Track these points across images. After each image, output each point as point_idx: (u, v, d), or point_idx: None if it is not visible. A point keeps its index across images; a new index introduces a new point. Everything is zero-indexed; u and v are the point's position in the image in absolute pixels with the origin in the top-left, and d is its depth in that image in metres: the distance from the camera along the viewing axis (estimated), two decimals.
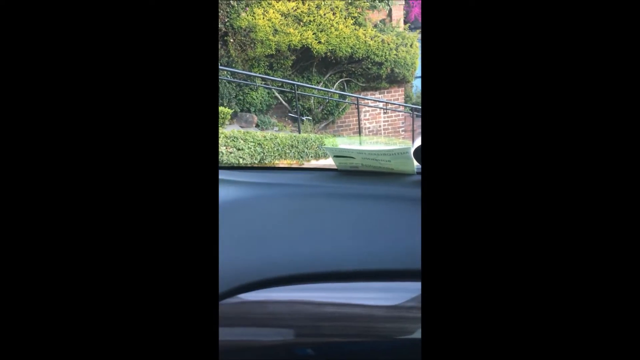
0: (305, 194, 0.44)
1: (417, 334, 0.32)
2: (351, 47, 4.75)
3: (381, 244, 0.36)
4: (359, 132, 5.16)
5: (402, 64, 5.15)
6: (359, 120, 5.13)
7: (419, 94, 7.58)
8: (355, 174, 0.48)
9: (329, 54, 4.73)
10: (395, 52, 5.04)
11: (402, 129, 5.85)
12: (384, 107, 5.57)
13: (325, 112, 5.13)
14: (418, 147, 0.40)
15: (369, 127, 5.60)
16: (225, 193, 0.40)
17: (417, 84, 7.80)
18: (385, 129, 5.78)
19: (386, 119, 5.72)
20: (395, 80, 5.39)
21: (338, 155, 0.47)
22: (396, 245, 0.35)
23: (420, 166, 0.43)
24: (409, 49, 5.20)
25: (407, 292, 0.33)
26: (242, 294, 0.34)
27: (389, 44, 4.98)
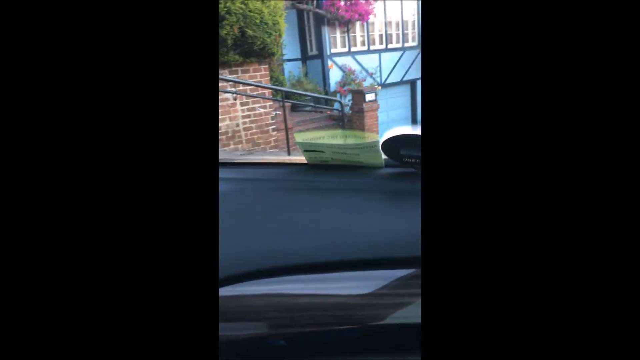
0: (276, 189, 0.45)
1: (389, 320, 0.33)
2: None
3: (352, 235, 0.36)
4: None
5: (258, 22, 3.20)
6: None
7: (295, 81, 5.81)
8: (326, 167, 0.49)
9: None
10: None
11: (273, 126, 3.95)
12: (237, 93, 3.53)
13: None
14: (385, 141, 0.42)
15: (219, 128, 3.50)
16: None
17: (289, 66, 6.01)
18: (246, 129, 3.76)
19: (246, 112, 3.71)
20: (252, 51, 3.40)
21: (308, 149, 0.48)
22: (367, 236, 0.36)
23: (387, 159, 0.45)
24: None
25: (380, 279, 0.34)
26: None
27: None
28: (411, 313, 0.32)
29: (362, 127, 4.87)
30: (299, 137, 0.47)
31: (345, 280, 0.34)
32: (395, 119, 6.69)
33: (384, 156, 0.44)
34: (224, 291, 0.33)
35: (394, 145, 0.41)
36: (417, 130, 0.41)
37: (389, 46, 6.36)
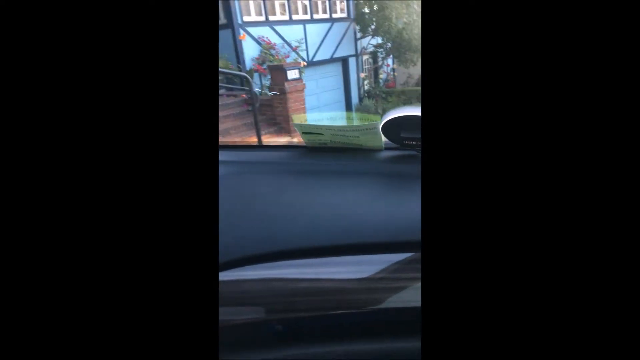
0: (274, 172, 0.45)
1: (387, 304, 0.34)
2: None
3: (351, 219, 0.36)
4: None
5: None
6: None
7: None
8: (325, 150, 0.49)
9: None
10: None
11: None
12: None
13: None
14: (385, 123, 0.42)
15: None
16: None
17: None
18: None
19: None
20: None
21: (307, 132, 0.47)
22: (367, 219, 0.36)
23: (387, 141, 0.45)
24: None
25: (378, 264, 0.34)
26: None
27: None
28: (409, 297, 0.32)
29: (285, 113, 3.90)
30: (297, 119, 0.47)
31: (343, 264, 0.34)
32: (327, 103, 5.82)
33: (384, 138, 0.44)
34: (221, 276, 0.33)
35: (394, 127, 0.42)
36: (418, 112, 0.40)
37: (315, 16, 5.41)
